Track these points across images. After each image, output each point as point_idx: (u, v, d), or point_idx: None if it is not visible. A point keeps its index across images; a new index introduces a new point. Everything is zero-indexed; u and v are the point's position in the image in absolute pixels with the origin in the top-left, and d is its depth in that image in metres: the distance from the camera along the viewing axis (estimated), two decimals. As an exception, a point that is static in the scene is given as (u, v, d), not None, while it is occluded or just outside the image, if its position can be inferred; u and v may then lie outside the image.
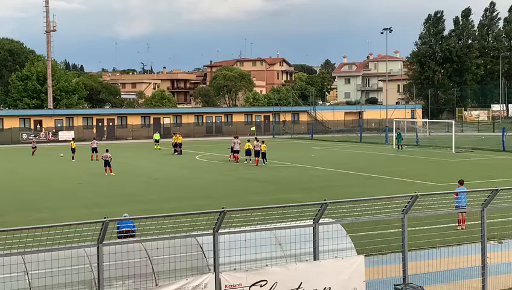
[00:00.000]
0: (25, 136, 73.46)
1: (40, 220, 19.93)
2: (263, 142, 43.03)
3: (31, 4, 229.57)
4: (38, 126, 76.49)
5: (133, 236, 15.81)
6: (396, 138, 54.82)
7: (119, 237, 16.10)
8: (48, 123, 77.08)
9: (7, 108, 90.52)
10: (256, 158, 41.93)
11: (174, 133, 57.01)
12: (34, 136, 55.37)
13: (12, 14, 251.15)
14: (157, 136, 60.59)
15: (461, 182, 20.10)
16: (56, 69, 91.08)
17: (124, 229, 16.07)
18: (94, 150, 47.35)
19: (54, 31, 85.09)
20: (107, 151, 37.56)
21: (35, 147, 53.86)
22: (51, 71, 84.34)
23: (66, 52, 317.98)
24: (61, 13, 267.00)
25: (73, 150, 47.05)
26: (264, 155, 41.80)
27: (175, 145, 51.65)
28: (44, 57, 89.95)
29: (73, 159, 46.22)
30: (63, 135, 74.47)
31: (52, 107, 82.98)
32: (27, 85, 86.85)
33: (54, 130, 75.87)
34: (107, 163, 36.65)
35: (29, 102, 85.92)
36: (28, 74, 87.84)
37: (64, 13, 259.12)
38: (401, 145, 53.53)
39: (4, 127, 74.93)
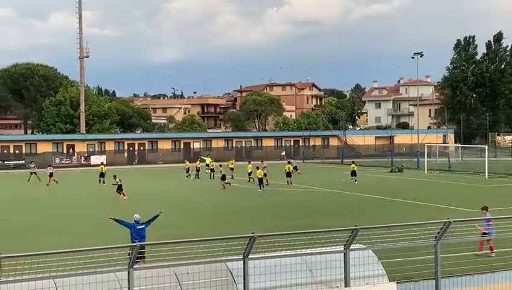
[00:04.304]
0: (58, 160, 74.50)
1: (69, 245, 20.07)
2: (289, 163, 44.10)
3: (65, 31, 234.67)
4: (70, 150, 77.57)
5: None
6: None
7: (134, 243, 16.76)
8: (80, 147, 78.12)
9: (41, 133, 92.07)
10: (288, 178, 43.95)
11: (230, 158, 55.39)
12: (49, 165, 53.85)
13: (48, 41, 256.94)
14: (208, 160, 57.89)
15: (486, 209, 19.60)
16: (89, 94, 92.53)
17: (138, 227, 17.43)
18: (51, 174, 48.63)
19: (87, 57, 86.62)
20: (115, 177, 38.10)
21: (52, 173, 49.75)
22: (83, 96, 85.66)
23: (99, 77, 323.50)
24: (94, 39, 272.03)
25: (102, 174, 47.66)
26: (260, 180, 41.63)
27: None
28: (78, 83, 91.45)
29: (103, 183, 46.68)
30: (94, 159, 75.30)
31: (84, 132, 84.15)
32: (60, 110, 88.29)
33: (86, 155, 76.79)
34: (119, 187, 37.20)
35: (62, 127, 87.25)
36: (62, 99, 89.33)
37: (97, 39, 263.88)
38: None
39: (38, 152, 76.14)
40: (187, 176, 50.04)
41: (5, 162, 72.68)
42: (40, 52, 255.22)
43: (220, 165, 47.66)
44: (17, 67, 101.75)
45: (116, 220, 18.24)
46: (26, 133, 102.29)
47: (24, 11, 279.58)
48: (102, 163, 55.46)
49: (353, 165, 47.98)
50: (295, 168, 52.55)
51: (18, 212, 32.02)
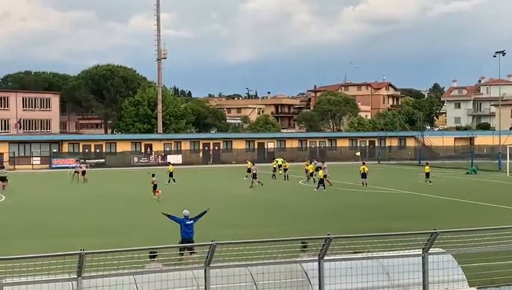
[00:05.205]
0: (136, 159, 76.55)
1: (147, 241, 20.57)
2: (319, 168, 44.10)
3: (143, 33, 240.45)
4: (148, 150, 79.52)
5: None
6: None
7: (184, 239, 18.11)
8: (157, 147, 79.96)
9: (120, 132, 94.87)
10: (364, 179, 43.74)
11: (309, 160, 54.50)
12: (81, 162, 54.80)
13: (127, 43, 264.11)
14: (279, 160, 57.33)
15: None
16: (166, 95, 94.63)
17: (187, 222, 18.32)
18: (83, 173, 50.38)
19: (164, 58, 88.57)
20: (153, 176, 38.73)
21: (78, 171, 51.07)
22: (161, 97, 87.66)
23: (175, 78, 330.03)
24: (171, 41, 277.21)
25: (171, 174, 48.68)
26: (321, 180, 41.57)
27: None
28: (155, 84, 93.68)
29: (168, 182, 47.63)
30: (171, 159, 76.82)
31: (161, 132, 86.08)
32: (139, 110, 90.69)
33: (162, 154, 78.49)
34: (155, 187, 37.99)
35: (140, 126, 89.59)
36: (140, 99, 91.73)
37: (174, 41, 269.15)
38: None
39: (117, 151, 78.49)
40: (246, 176, 50.47)
41: (87, 161, 75.23)
42: (121, 54, 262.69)
43: (253, 164, 47.94)
44: (98, 68, 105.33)
45: (168, 215, 19.17)
46: (106, 132, 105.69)
47: (104, 14, 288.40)
48: (169, 163, 56.82)
49: (427, 167, 46.99)
50: (318, 168, 51.85)
51: (100, 209, 33.09)
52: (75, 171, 51.55)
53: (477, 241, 11.49)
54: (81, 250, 9.07)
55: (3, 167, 50.10)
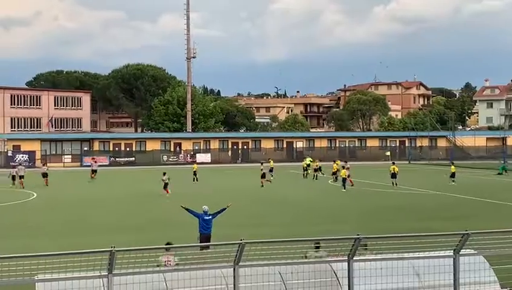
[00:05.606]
0: (165, 158, 77.07)
1: (175, 239, 20.67)
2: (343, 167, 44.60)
3: (173, 32, 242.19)
4: (177, 148, 79.99)
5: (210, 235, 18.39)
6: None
7: (202, 234, 18.43)
8: (186, 145, 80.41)
9: (150, 131, 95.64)
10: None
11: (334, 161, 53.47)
12: (94, 162, 55.51)
13: (157, 42, 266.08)
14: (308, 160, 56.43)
15: None
16: (195, 93, 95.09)
17: (205, 217, 18.63)
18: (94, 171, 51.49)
19: (194, 57, 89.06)
20: (164, 174, 39.12)
21: (95, 170, 52.44)
22: (190, 96, 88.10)
23: (205, 77, 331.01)
24: (200, 40, 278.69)
25: (194, 173, 48.97)
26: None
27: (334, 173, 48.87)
28: (185, 83, 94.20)
29: (193, 181, 47.85)
30: (200, 157, 77.22)
31: (190, 131, 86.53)
32: (168, 109, 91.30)
33: (192, 153, 78.89)
34: (166, 185, 38.49)
35: (170, 125, 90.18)
36: (170, 98, 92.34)
37: (203, 40, 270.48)
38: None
39: (147, 149, 79.12)
40: (272, 175, 50.66)
41: (117, 159, 76.04)
42: (152, 53, 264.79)
43: (262, 164, 48.24)
44: (128, 68, 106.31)
45: (187, 209, 19.37)
46: (136, 131, 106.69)
47: (134, 14, 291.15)
48: (194, 162, 57.11)
49: (452, 167, 46.43)
50: (319, 168, 52.44)
51: (130, 206, 33.38)
52: (93, 171, 52.63)
53: (510, 243, 11.32)
54: (111, 247, 9.16)
55: (45, 164, 51.57)
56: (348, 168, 44.46)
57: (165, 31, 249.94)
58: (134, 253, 9.60)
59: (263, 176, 45.34)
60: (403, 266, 10.92)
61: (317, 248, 12.16)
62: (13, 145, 74.29)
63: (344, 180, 41.73)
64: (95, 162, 55.79)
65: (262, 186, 43.73)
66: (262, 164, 48.67)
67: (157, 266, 11.64)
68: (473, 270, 11.01)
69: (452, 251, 10.95)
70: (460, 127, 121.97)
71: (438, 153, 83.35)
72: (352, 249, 10.39)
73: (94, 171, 52.12)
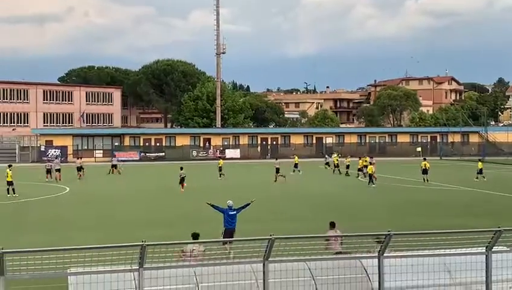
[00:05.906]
0: (195, 153, 77.43)
1: (205, 234, 20.77)
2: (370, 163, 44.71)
3: (203, 28, 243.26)
4: (207, 144, 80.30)
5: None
6: None
7: (227, 228, 18.59)
8: (215, 141, 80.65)
9: (179, 126, 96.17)
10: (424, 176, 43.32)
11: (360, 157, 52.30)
12: (114, 156, 57.13)
13: (187, 38, 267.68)
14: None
15: None
16: (224, 89, 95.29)
17: (230, 212, 18.86)
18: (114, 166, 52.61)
19: (223, 53, 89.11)
20: (181, 169, 39.83)
21: (116, 165, 53.71)
22: (219, 91, 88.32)
23: (234, 73, 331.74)
24: (230, 35, 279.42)
25: (220, 168, 49.09)
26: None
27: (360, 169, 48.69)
28: (214, 78, 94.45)
29: (220, 176, 48.04)
30: (229, 153, 77.36)
31: (220, 126, 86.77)
32: (198, 105, 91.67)
33: (221, 148, 79.11)
34: (182, 179, 38.94)
35: (199, 121, 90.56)
36: (199, 94, 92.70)
37: (232, 35, 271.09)
38: None
39: (176, 144, 79.58)
40: (293, 171, 50.59)
41: (147, 154, 76.63)
42: (182, 49, 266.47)
43: (276, 159, 48.45)
44: (158, 63, 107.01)
45: (212, 205, 19.55)
46: (166, 126, 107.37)
47: (164, 10, 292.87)
48: (220, 158, 57.19)
49: (480, 163, 45.64)
50: (327, 164, 52.91)
51: (160, 201, 33.66)
52: (112, 165, 53.89)
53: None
54: (142, 242, 9.25)
55: (80, 158, 53.12)
56: (373, 164, 44.21)
57: (195, 27, 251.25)
58: (164, 247, 9.68)
59: (277, 171, 45.68)
60: (434, 262, 10.82)
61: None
62: (46, 140, 75.35)
63: (370, 176, 41.60)
64: (115, 156, 56.57)
65: (276, 181, 44.34)
66: (276, 159, 49.00)
67: (182, 251, 11.71)
68: (506, 267, 10.86)
69: (484, 248, 10.82)
70: (493, 123, 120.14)
71: (470, 149, 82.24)
72: (383, 245, 10.33)
73: (114, 166, 53.16)
